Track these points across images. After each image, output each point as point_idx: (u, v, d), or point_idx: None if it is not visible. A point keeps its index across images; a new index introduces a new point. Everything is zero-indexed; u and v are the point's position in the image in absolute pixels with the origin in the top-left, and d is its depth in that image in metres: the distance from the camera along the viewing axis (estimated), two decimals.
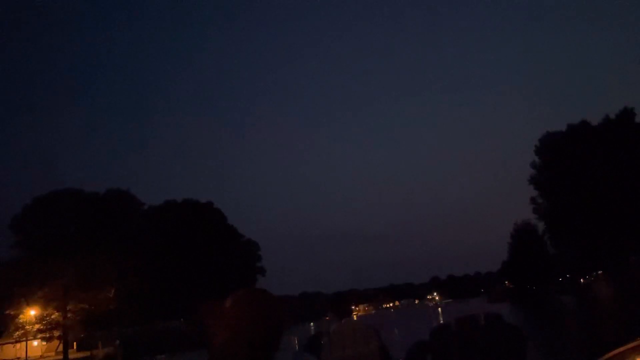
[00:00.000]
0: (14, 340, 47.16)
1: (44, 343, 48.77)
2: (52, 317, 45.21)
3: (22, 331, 44.86)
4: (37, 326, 44.70)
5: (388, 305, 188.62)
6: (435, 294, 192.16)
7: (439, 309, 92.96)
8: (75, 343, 50.81)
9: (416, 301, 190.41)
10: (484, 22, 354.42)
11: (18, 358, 46.63)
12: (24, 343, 46.15)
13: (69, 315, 45.88)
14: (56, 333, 46.37)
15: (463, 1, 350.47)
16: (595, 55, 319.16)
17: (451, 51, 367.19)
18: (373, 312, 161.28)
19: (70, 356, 47.40)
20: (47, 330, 45.46)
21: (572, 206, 55.78)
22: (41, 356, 49.15)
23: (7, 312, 43.88)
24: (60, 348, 47.42)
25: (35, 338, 46.85)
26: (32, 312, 44.24)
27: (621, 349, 3.51)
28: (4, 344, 48.18)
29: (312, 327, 69.71)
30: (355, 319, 5.16)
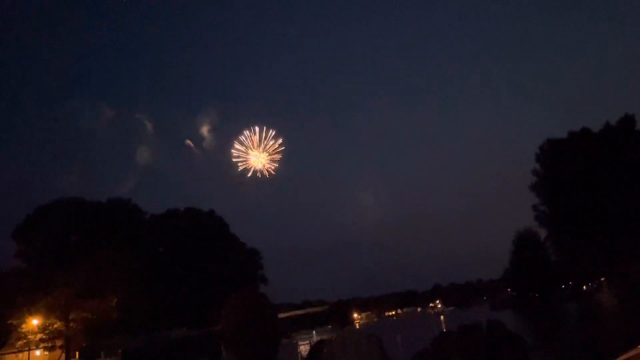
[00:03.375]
0: (16, 350, 47.11)
1: (46, 352, 48.67)
2: (55, 326, 45.12)
3: (25, 341, 44.80)
4: (39, 335, 44.61)
5: (391, 313, 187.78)
6: (437, 301, 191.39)
7: (442, 317, 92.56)
8: (77, 352, 50.69)
9: (418, 309, 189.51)
10: (483, 27, 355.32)
11: None
12: (27, 352, 46.10)
13: (71, 324, 45.81)
14: (58, 342, 46.26)
15: (462, 6, 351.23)
16: (596, 61, 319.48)
17: (449, 56, 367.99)
18: (375, 319, 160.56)
19: None
20: (49, 339, 45.36)
21: (573, 213, 55.69)
22: None
23: (10, 321, 43.81)
24: (63, 357, 47.31)
25: (37, 347, 46.78)
26: (34, 322, 44.16)
27: (624, 356, 3.51)
28: (6, 354, 48.13)
29: (315, 336, 69.50)
30: (357, 327, 5.18)
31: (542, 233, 71.58)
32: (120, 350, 51.58)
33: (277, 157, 60.96)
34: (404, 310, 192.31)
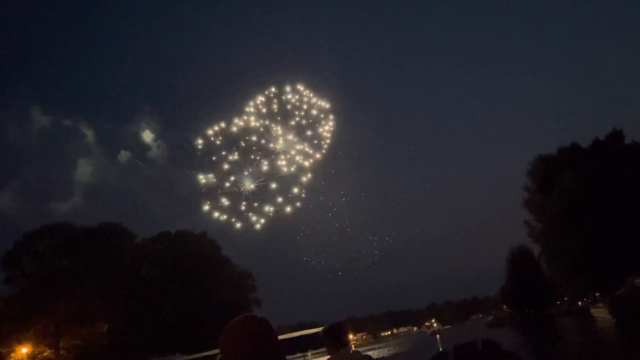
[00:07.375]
0: None
1: None
2: (45, 354, 44.36)
3: None
4: None
5: (387, 334, 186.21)
6: (433, 320, 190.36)
7: (437, 336, 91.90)
8: None
9: (414, 328, 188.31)
10: (474, 43, 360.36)
11: None
12: None
13: (61, 352, 45.04)
14: None
15: (450, 27, 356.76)
16: (585, 76, 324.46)
17: (444, 71, 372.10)
18: (371, 340, 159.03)
19: None
20: None
21: (565, 229, 55.82)
22: None
23: None
24: None
25: None
26: (24, 350, 43.34)
27: None
28: None
29: (310, 359, 68.58)
30: (353, 349, 5.02)
31: (536, 249, 71.74)
32: None
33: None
34: (400, 330, 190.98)
